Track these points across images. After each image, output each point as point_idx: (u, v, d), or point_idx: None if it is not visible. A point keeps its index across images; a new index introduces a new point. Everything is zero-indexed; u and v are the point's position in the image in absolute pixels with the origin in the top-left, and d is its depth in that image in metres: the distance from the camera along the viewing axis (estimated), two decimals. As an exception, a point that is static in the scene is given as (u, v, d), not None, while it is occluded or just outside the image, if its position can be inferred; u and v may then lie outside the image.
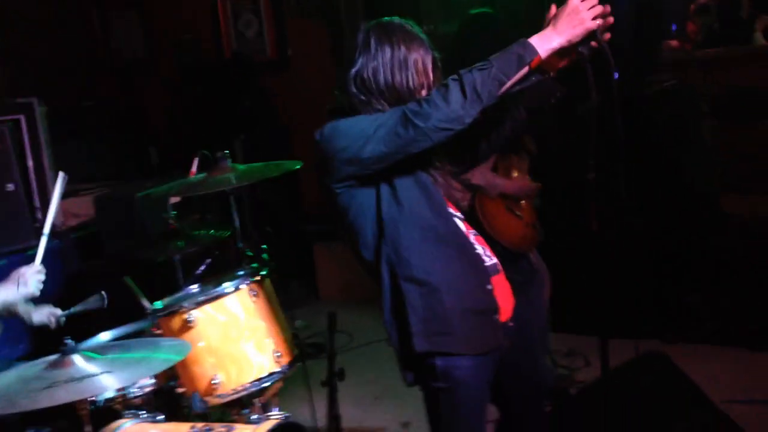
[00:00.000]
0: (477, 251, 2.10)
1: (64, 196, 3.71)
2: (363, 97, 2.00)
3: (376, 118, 1.94)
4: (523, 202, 3.32)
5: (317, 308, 4.92)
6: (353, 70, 2.02)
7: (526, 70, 1.89)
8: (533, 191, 3.32)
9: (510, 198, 3.25)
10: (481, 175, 3.14)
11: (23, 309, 2.34)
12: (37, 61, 5.19)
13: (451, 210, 2.11)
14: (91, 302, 2.38)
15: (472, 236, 2.13)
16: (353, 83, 2.02)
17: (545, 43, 1.89)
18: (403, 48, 2.00)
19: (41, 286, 2.29)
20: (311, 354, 4.17)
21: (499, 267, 2.17)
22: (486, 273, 2.08)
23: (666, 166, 4.05)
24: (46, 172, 3.53)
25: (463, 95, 1.83)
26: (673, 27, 4.32)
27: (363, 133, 1.92)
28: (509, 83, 1.89)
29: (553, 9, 1.94)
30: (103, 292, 2.39)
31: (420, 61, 2.01)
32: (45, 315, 2.39)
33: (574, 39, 1.90)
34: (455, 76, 1.86)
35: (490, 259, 2.14)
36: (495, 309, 2.07)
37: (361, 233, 2.02)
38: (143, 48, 5.94)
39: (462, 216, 2.15)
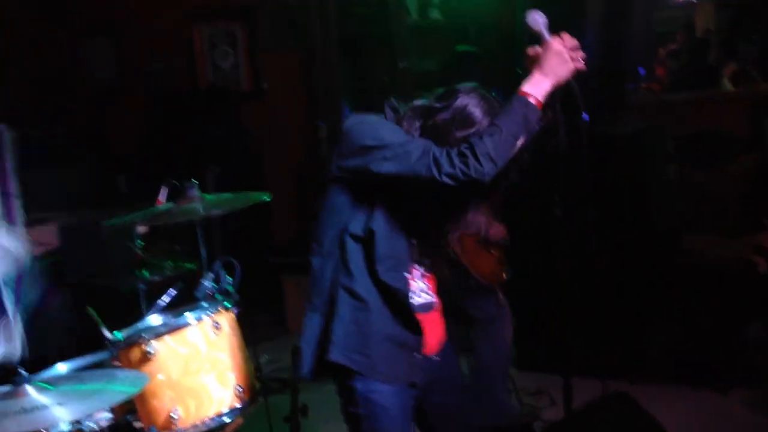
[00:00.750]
0: (410, 296, 2.11)
1: (29, 224, 3.68)
2: (417, 123, 2.04)
3: (405, 141, 1.97)
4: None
5: (285, 341, 4.86)
6: (437, 106, 2.05)
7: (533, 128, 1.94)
8: (502, 234, 3.40)
9: (480, 236, 3.31)
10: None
11: None
12: (6, 86, 5.15)
13: (409, 263, 2.12)
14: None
15: (420, 275, 2.16)
16: (426, 111, 2.06)
17: (539, 89, 1.93)
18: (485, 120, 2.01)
19: None
20: (276, 389, 4.11)
21: (435, 306, 2.21)
22: (411, 316, 2.09)
23: (631, 207, 4.10)
24: (11, 199, 3.48)
25: (478, 163, 1.86)
26: (641, 70, 4.41)
27: (388, 143, 1.95)
28: (519, 143, 1.94)
29: (532, 50, 1.97)
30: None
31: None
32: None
33: (561, 80, 1.94)
34: (466, 145, 1.89)
35: (424, 299, 2.16)
36: (419, 347, 2.11)
37: (326, 224, 2.08)
38: (115, 75, 5.92)
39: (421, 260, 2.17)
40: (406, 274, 2.10)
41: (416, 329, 2.10)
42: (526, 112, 1.91)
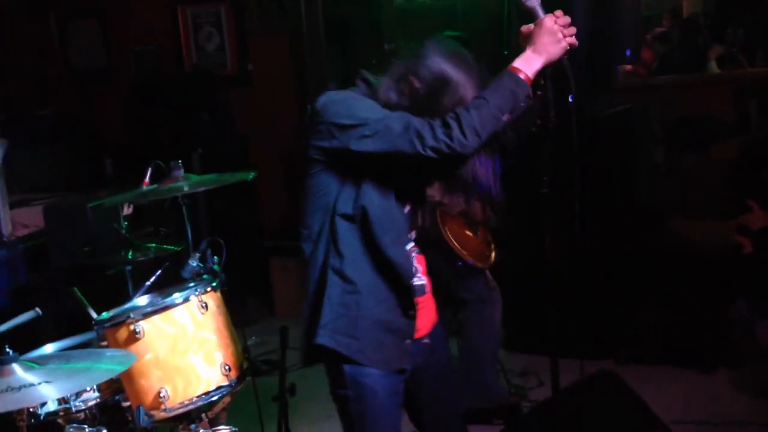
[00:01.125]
0: (414, 276, 2.10)
1: (13, 205, 3.65)
2: (394, 96, 1.96)
3: (384, 116, 1.90)
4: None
5: (273, 325, 4.85)
6: (402, 66, 1.98)
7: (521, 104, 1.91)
8: (486, 215, 3.40)
9: (467, 216, 3.32)
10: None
11: None
12: (-8, 68, 5.10)
13: (409, 234, 2.11)
14: (25, 316, 2.34)
15: (414, 255, 2.14)
16: (395, 74, 1.98)
17: (529, 66, 1.90)
18: (461, 77, 1.96)
19: None
20: (264, 371, 4.11)
21: (427, 288, 2.18)
22: (411, 300, 2.08)
23: (617, 188, 4.11)
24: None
25: (463, 135, 1.83)
26: (628, 52, 4.40)
27: (365, 120, 1.89)
28: (504, 119, 1.90)
29: (525, 28, 1.95)
30: (37, 309, 2.36)
31: (465, 99, 1.96)
32: None
33: (553, 58, 1.92)
34: (452, 115, 1.85)
35: (419, 280, 2.15)
36: (410, 333, 2.09)
37: (314, 204, 2.03)
38: (102, 58, 5.86)
39: (414, 237, 2.15)
40: (408, 248, 2.08)
41: (411, 313, 2.08)
42: (515, 87, 1.89)
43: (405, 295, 2.07)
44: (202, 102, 5.35)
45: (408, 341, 2.09)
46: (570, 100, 2.11)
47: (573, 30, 1.94)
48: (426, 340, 2.18)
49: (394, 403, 2.10)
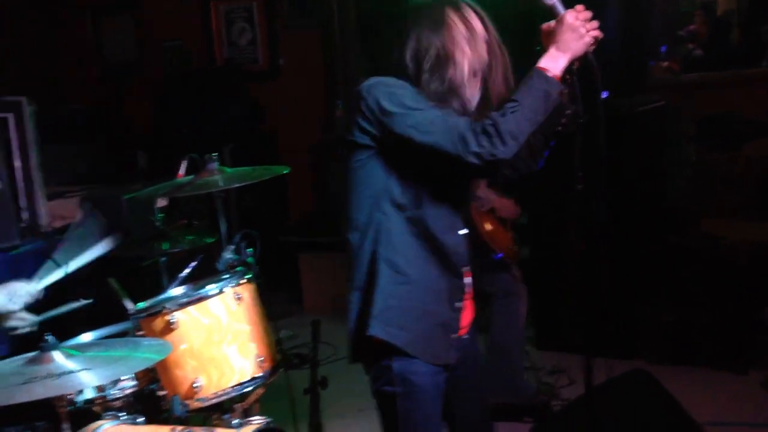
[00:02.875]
0: (463, 268, 2.09)
1: (50, 197, 3.70)
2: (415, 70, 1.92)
3: (429, 110, 1.87)
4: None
5: (302, 319, 4.89)
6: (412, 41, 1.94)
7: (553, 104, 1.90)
8: (516, 212, 3.42)
9: (496, 214, 3.36)
10: (482, 188, 3.26)
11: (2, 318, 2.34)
12: (28, 62, 5.17)
13: (461, 226, 2.09)
14: (67, 306, 2.40)
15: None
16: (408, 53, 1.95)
17: (556, 64, 1.88)
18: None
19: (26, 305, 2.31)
20: (295, 365, 4.13)
21: (470, 288, 2.15)
22: (461, 292, 2.07)
23: (649, 186, 4.08)
24: (32, 172, 3.49)
25: (502, 142, 1.82)
26: (662, 48, 4.36)
27: (411, 109, 1.86)
28: (538, 120, 1.89)
29: (546, 26, 1.94)
30: (81, 299, 2.41)
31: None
32: (20, 321, 2.38)
33: (577, 54, 1.90)
34: (490, 122, 1.83)
35: (467, 278, 2.13)
36: (456, 328, 2.07)
37: (361, 195, 1.99)
38: (134, 52, 5.93)
39: (467, 231, 2.13)
40: (462, 236, 2.06)
41: (458, 305, 2.06)
42: (547, 87, 1.86)
43: (455, 286, 2.05)
44: (233, 96, 5.39)
45: (454, 335, 2.07)
46: (604, 96, 2.09)
47: (595, 23, 1.91)
48: (466, 337, 2.16)
49: (439, 401, 2.07)
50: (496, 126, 1.82)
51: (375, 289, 1.96)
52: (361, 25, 5.48)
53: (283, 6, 5.60)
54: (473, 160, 1.83)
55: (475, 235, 3.19)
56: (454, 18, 1.96)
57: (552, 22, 1.91)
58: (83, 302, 2.33)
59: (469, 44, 1.96)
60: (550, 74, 1.88)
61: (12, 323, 2.32)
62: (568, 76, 1.95)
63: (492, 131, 1.82)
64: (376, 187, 1.97)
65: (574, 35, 1.88)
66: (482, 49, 1.98)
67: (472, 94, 1.99)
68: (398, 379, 1.97)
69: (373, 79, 1.96)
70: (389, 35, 2.03)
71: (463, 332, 2.13)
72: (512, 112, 1.84)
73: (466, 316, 2.14)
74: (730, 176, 4.71)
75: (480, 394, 2.29)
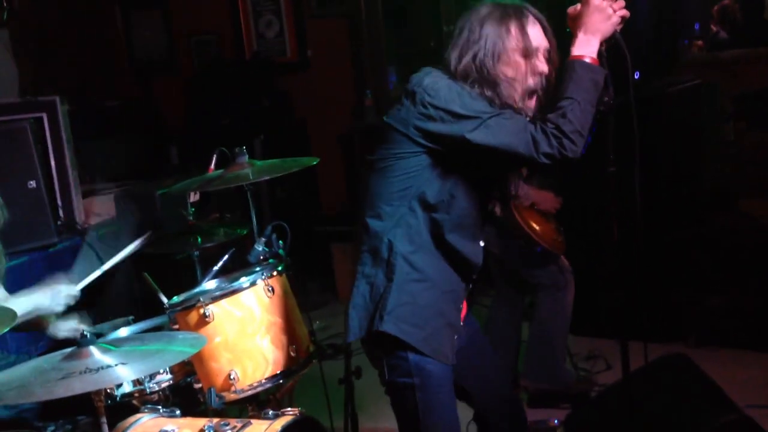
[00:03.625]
0: (474, 274, 2.13)
1: (85, 195, 3.76)
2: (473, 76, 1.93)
3: (497, 112, 1.89)
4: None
5: (336, 309, 4.90)
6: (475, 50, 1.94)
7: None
8: (557, 204, 3.40)
9: (536, 208, 3.35)
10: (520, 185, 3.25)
11: (50, 322, 2.40)
12: (60, 60, 5.24)
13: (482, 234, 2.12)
14: (119, 323, 2.49)
15: None
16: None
17: (589, 49, 1.88)
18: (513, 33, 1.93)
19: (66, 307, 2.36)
20: (329, 355, 4.15)
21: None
22: (463, 295, 2.12)
23: (686, 167, 4.00)
24: (68, 170, 3.55)
25: (572, 143, 1.84)
26: (696, 26, 4.26)
27: (480, 112, 1.87)
28: (595, 109, 1.90)
29: (572, 9, 1.92)
30: (131, 317, 2.53)
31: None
32: (71, 331, 2.44)
33: (605, 35, 1.89)
34: (552, 125, 1.84)
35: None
36: (459, 329, 2.10)
37: (393, 185, 1.98)
38: (164, 47, 5.98)
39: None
40: (481, 243, 2.09)
41: (460, 306, 2.11)
42: (592, 75, 1.87)
43: (462, 290, 2.10)
44: (262, 88, 5.41)
45: (456, 337, 2.09)
46: (636, 76, 2.06)
47: (622, 2, 1.90)
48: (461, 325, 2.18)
49: (452, 390, 2.09)
50: (560, 128, 1.83)
51: (391, 284, 1.96)
52: (388, 13, 5.46)
53: (309, -4, 5.60)
54: (545, 160, 1.85)
55: (516, 230, 3.23)
56: (514, 30, 1.92)
57: (578, 6, 1.89)
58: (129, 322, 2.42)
59: (525, 57, 1.93)
60: (588, 61, 1.86)
61: (61, 334, 2.38)
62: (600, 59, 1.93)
63: (558, 133, 1.83)
64: (412, 182, 1.96)
65: (601, 16, 1.86)
66: (541, 62, 1.95)
67: (530, 111, 1.98)
68: (416, 369, 1.97)
69: (432, 79, 1.93)
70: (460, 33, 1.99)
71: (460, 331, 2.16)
72: (571, 110, 1.85)
73: (464, 310, 2.19)
74: (768, 155, 4.61)
75: (484, 362, 2.29)
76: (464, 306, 2.19)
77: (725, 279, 3.94)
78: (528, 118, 1.94)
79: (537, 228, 3.29)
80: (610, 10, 1.86)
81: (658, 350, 2.60)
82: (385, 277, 1.97)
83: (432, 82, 1.92)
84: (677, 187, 3.93)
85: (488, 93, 1.91)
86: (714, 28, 5.37)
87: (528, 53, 1.92)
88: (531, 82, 1.94)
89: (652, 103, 3.76)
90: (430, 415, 2.01)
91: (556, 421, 3.16)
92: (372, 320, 1.97)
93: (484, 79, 1.91)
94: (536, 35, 1.93)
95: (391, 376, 2.02)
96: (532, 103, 1.98)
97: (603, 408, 2.84)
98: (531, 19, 1.94)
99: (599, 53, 1.91)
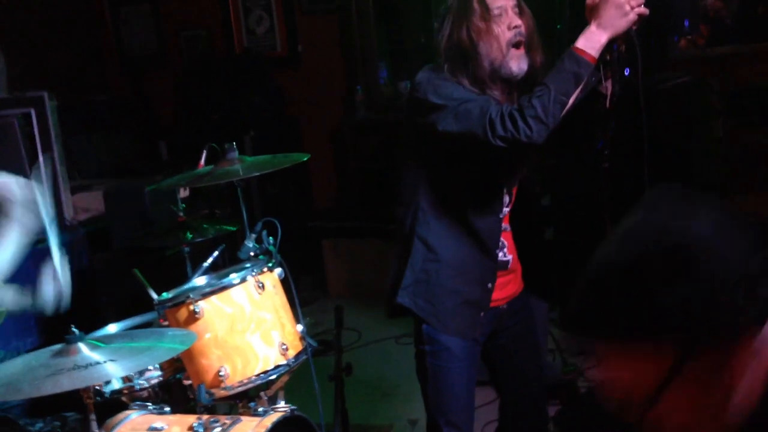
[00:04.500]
0: (497, 251, 2.17)
1: (74, 190, 3.74)
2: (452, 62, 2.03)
3: (467, 99, 1.95)
4: None
5: (326, 305, 4.90)
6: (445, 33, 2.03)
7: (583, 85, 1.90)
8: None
9: None
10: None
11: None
12: (48, 55, 5.20)
13: (502, 209, 2.16)
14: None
15: (502, 230, 2.19)
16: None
17: (593, 43, 1.87)
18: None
19: None
20: (319, 351, 4.14)
21: (512, 265, 2.24)
22: (492, 273, 2.16)
23: (675, 163, 4.01)
24: (56, 166, 3.52)
25: (528, 127, 1.84)
26: (686, 23, 4.27)
27: (452, 100, 1.96)
28: (571, 102, 1.89)
29: (591, 0, 1.90)
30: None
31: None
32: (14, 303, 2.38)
33: (619, 32, 1.88)
34: (516, 107, 1.87)
35: (504, 256, 2.21)
36: (486, 306, 2.16)
37: (408, 174, 2.15)
38: (154, 43, 5.95)
39: (506, 210, 2.20)
40: (498, 220, 2.14)
41: (489, 286, 2.15)
42: (577, 69, 1.86)
43: (487, 267, 2.14)
44: (252, 84, 5.39)
45: (482, 314, 2.17)
46: (626, 73, 2.06)
47: (640, 1, 1.88)
48: (504, 307, 2.24)
49: (469, 365, 2.20)
50: (521, 111, 1.85)
51: (408, 262, 2.13)
52: (378, 9, 5.45)
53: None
54: (499, 143, 1.88)
55: None
56: (476, 3, 1.99)
57: None
58: None
59: (495, 21, 1.98)
60: (584, 56, 1.87)
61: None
62: (608, 56, 1.92)
63: (517, 116, 1.85)
64: (421, 168, 2.12)
65: (619, 12, 1.85)
66: (510, 18, 2.00)
67: (518, 67, 2.01)
68: (428, 339, 2.16)
69: (424, 75, 2.05)
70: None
71: (499, 304, 2.22)
72: (538, 96, 1.86)
73: (507, 290, 2.24)
74: (758, 151, 4.62)
75: (527, 361, 2.34)
76: (513, 280, 2.26)
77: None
78: (515, 74, 2.01)
79: None
80: (628, 7, 1.85)
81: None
82: (405, 255, 2.16)
83: (420, 77, 2.05)
84: (665, 183, 3.94)
85: (471, 66, 1.99)
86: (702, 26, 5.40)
87: (493, 15, 1.99)
88: (508, 35, 1.99)
89: (640, 99, 3.77)
90: (438, 381, 2.17)
91: (546, 417, 3.15)
92: (392, 293, 2.19)
93: (464, 52, 1.99)
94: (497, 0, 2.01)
95: (415, 345, 2.23)
96: (519, 53, 2.01)
97: (591, 404, 2.85)
98: None
99: (611, 49, 1.91)
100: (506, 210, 2.18)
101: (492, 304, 2.19)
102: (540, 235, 3.27)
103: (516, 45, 2.00)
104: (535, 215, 3.24)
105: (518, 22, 2.00)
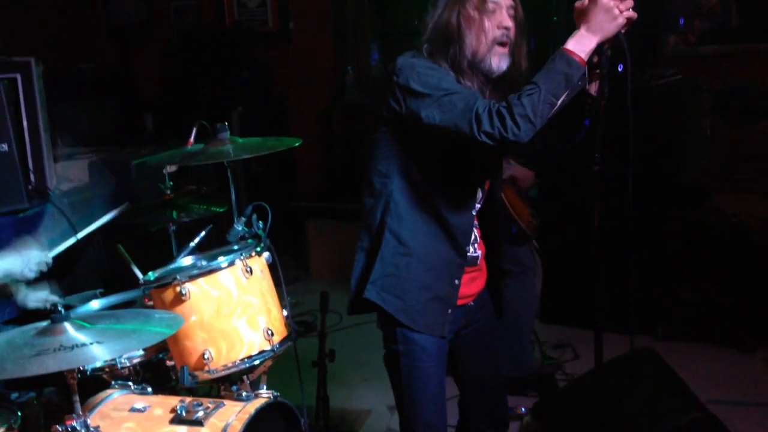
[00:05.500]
0: (468, 247, 2.15)
1: (56, 159, 3.67)
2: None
3: (453, 90, 1.92)
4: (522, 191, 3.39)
5: (308, 286, 4.90)
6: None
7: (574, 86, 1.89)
8: (533, 179, 3.39)
9: (515, 184, 3.32)
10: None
11: (19, 290, 2.34)
12: (35, 22, 5.09)
13: (476, 205, 2.14)
14: (89, 296, 2.48)
15: (474, 229, 2.17)
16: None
17: (583, 46, 1.86)
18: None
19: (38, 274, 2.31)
20: (300, 332, 4.14)
21: (480, 261, 2.23)
22: (460, 269, 2.13)
23: (663, 162, 4.03)
24: (40, 133, 3.45)
25: (515, 125, 1.82)
26: (681, 21, 4.27)
27: (436, 89, 1.92)
28: (560, 103, 1.87)
29: (579, 4, 1.89)
30: (100, 289, 2.53)
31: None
32: (41, 301, 2.39)
33: (608, 35, 1.87)
34: (505, 104, 1.84)
35: (474, 251, 2.19)
36: (453, 303, 2.14)
37: (379, 164, 2.09)
38: (142, 12, 5.84)
39: (478, 207, 2.18)
40: (471, 215, 2.12)
41: (456, 282, 2.12)
42: (567, 70, 1.85)
43: (456, 264, 2.11)
44: (242, 60, 5.32)
45: (450, 311, 2.14)
46: (620, 69, 2.06)
47: (630, 3, 1.87)
48: (471, 304, 2.23)
49: (441, 364, 2.17)
50: (510, 108, 1.83)
51: (377, 255, 2.08)
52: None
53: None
54: (485, 139, 1.85)
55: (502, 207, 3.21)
56: None
57: (585, 0, 1.87)
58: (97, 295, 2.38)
59: (488, 15, 1.98)
60: (574, 57, 1.86)
61: (30, 303, 2.33)
62: (596, 58, 1.91)
63: (505, 113, 1.83)
64: (393, 159, 2.06)
65: (608, 16, 1.84)
66: (503, 17, 2.00)
67: (498, 64, 2.01)
68: (401, 338, 2.10)
69: (406, 60, 2.00)
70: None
71: (467, 301, 2.21)
72: (528, 95, 1.84)
73: (475, 286, 2.22)
74: (745, 151, 4.66)
75: (489, 356, 2.35)
76: (480, 277, 2.24)
77: (695, 273, 3.99)
78: (494, 71, 2.00)
79: (516, 207, 3.28)
80: (617, 11, 1.84)
81: (625, 341, 2.64)
82: (374, 249, 2.10)
83: (403, 62, 2.00)
84: (653, 181, 3.96)
85: (452, 51, 1.98)
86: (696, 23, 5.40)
87: (487, 9, 1.98)
88: (496, 33, 1.99)
89: (633, 96, 3.77)
90: (412, 382, 2.13)
91: (523, 409, 3.18)
92: (359, 287, 2.12)
93: (449, 35, 1.98)
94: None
95: (385, 345, 2.17)
96: (503, 51, 2.01)
97: (570, 399, 2.88)
98: None
99: (600, 51, 1.91)
100: (478, 206, 2.17)
101: (460, 302, 2.17)
102: (506, 232, 3.28)
103: (501, 43, 2.00)
104: (502, 212, 3.24)
105: (509, 23, 2.00)
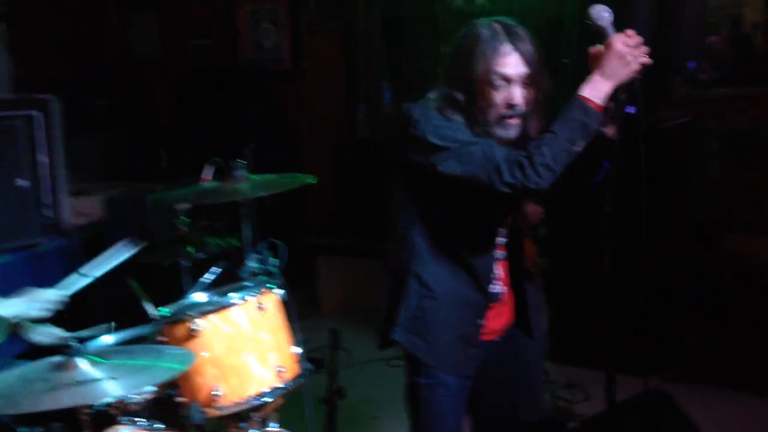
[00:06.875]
0: (491, 285, 2.17)
1: (74, 194, 3.72)
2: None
3: (470, 141, 1.94)
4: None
5: (318, 322, 4.89)
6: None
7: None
8: (541, 215, 3.40)
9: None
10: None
11: (30, 327, 2.37)
12: (53, 57, 5.20)
13: (496, 245, 2.17)
14: (100, 329, 2.46)
15: (496, 262, 2.19)
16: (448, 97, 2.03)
17: (598, 92, 1.88)
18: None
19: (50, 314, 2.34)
20: (311, 370, 4.13)
21: (505, 296, 2.25)
22: (483, 309, 2.16)
23: (672, 203, 4.04)
24: (58, 169, 3.51)
25: (537, 174, 1.85)
26: (689, 65, 4.32)
27: (453, 142, 1.95)
28: (578, 149, 1.90)
29: (595, 50, 1.93)
30: (113, 323, 2.50)
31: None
32: (48, 336, 2.41)
33: (622, 81, 1.89)
34: (524, 153, 1.87)
35: (497, 287, 2.21)
36: (475, 342, 2.17)
37: (402, 210, 2.14)
38: (158, 50, 5.95)
39: (503, 243, 2.20)
40: (491, 255, 2.15)
41: (480, 322, 2.16)
42: (584, 118, 1.87)
43: (479, 304, 2.15)
44: (255, 96, 5.40)
45: (474, 350, 2.17)
46: (632, 111, 2.08)
47: (645, 49, 1.90)
48: (497, 339, 2.26)
49: (462, 400, 2.20)
50: (531, 158, 1.86)
51: (403, 299, 2.12)
52: (385, 29, 5.47)
53: (308, 7, 5.59)
54: (505, 189, 1.88)
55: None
56: (489, 59, 1.95)
57: (600, 47, 1.90)
58: (111, 327, 2.39)
59: (496, 90, 1.98)
60: (590, 104, 1.88)
61: (37, 338, 2.35)
62: (611, 103, 1.94)
63: (526, 163, 1.86)
64: (415, 204, 2.10)
65: (621, 62, 1.87)
66: (512, 93, 1.98)
67: (506, 134, 2.01)
68: (424, 372, 2.15)
69: (420, 111, 2.01)
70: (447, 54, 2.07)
71: (494, 336, 2.23)
72: (548, 144, 1.87)
73: (502, 320, 2.25)
74: (755, 193, 4.67)
75: (508, 389, 2.36)
76: (505, 312, 2.26)
77: (706, 314, 3.98)
78: (508, 142, 1.99)
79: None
80: (631, 57, 1.86)
81: (636, 382, 2.63)
82: (398, 293, 2.14)
83: (416, 114, 2.01)
84: (662, 222, 3.97)
85: (464, 110, 2.00)
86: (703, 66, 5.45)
87: (494, 84, 1.96)
88: (503, 110, 1.98)
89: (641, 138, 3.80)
90: (430, 416, 2.16)
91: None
92: (386, 328, 2.18)
93: (459, 100, 2.00)
94: (513, 63, 1.96)
95: (406, 375, 2.22)
96: (512, 122, 2.00)
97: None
98: (508, 47, 1.96)
99: (615, 97, 1.92)
100: (504, 240, 2.20)
101: (486, 338, 2.19)
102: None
103: (508, 119, 2.01)
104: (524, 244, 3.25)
105: (517, 100, 1.97)
